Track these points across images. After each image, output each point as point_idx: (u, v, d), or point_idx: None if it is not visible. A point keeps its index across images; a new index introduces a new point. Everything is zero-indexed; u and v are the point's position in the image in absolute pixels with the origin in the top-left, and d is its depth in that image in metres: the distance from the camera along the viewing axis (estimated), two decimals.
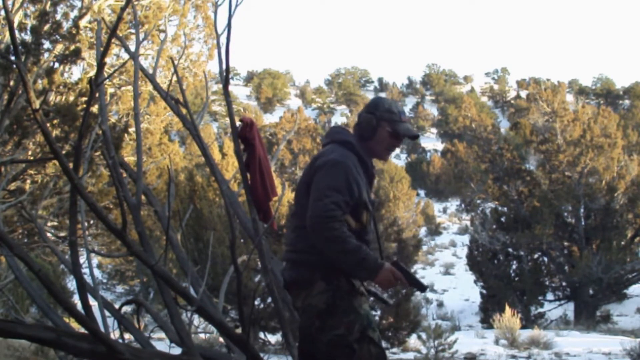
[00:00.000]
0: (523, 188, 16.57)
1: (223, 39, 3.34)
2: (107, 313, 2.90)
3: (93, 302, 2.75)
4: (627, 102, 64.52)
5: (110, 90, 8.15)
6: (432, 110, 77.07)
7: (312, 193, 2.38)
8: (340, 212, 2.32)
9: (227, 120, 8.18)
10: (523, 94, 69.44)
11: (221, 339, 6.48)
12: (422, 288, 2.54)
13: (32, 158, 6.60)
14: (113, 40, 2.63)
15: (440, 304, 19.57)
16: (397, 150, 66.94)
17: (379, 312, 8.92)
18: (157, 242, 10.22)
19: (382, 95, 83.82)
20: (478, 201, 18.85)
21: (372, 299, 2.72)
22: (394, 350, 8.68)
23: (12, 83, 6.32)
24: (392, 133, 2.57)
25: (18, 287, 6.20)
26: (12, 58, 6.21)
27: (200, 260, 9.32)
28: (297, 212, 2.51)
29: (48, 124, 4.51)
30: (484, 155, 18.20)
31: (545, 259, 16.50)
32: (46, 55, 6.88)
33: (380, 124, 2.56)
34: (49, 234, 6.98)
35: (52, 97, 6.85)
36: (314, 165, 2.48)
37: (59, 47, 6.86)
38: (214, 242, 9.37)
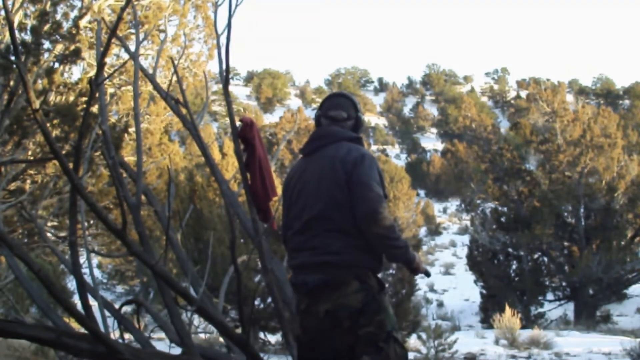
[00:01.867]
0: (523, 188, 16.57)
1: (223, 39, 3.34)
2: (107, 313, 2.90)
3: (93, 302, 2.75)
4: (627, 102, 64.52)
5: (110, 90, 8.15)
6: (432, 110, 77.07)
7: (359, 187, 2.41)
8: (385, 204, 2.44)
9: (227, 120, 8.18)
10: (523, 94, 69.49)
11: (221, 339, 6.48)
12: (427, 274, 2.68)
13: (32, 158, 6.60)
14: (113, 40, 2.63)
15: (440, 304, 19.57)
16: (397, 150, 66.96)
17: None
18: (157, 242, 10.22)
19: (382, 94, 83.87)
20: (478, 201, 18.85)
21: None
22: None
23: (12, 83, 6.33)
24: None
25: (18, 287, 6.20)
26: (12, 58, 6.21)
27: (200, 260, 9.32)
28: (328, 214, 2.48)
29: (48, 124, 4.52)
30: (484, 155, 18.20)
31: (545, 259, 16.50)
32: (46, 55, 6.89)
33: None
34: (49, 234, 6.99)
35: (52, 97, 6.86)
36: (346, 163, 2.49)
37: (59, 47, 6.86)
38: (214, 242, 9.37)
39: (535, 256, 16.55)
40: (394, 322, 2.44)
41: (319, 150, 2.62)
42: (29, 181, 6.92)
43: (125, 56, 8.01)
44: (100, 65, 2.81)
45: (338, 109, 2.72)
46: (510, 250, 16.40)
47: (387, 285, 9.19)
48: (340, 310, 2.41)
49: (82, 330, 2.37)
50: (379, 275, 2.54)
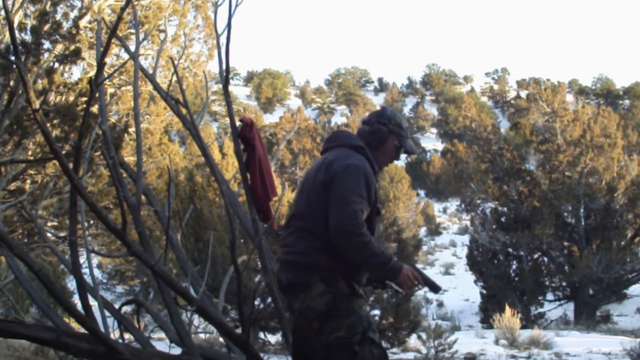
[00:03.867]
0: (523, 188, 16.57)
1: (223, 39, 3.34)
2: (107, 313, 2.90)
3: (93, 302, 2.75)
4: (627, 102, 64.54)
5: (110, 90, 8.15)
6: (432, 110, 77.08)
7: (336, 199, 2.37)
8: (363, 218, 2.36)
9: (227, 120, 8.19)
10: (523, 94, 69.44)
11: (221, 339, 6.48)
12: (436, 289, 2.64)
13: (32, 158, 6.60)
14: (113, 40, 2.63)
15: (440, 304, 19.56)
16: None
17: (378, 312, 8.92)
18: (157, 242, 10.21)
19: (382, 95, 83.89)
20: (478, 201, 18.84)
21: (383, 293, 2.77)
22: (394, 350, 8.68)
23: (12, 83, 6.33)
24: (398, 147, 2.66)
25: (18, 287, 6.20)
26: (12, 58, 6.21)
27: (200, 260, 9.32)
28: (304, 214, 2.49)
29: (48, 124, 4.52)
30: (484, 155, 18.19)
31: (545, 259, 16.50)
32: (46, 55, 6.88)
33: (390, 136, 2.63)
34: (49, 234, 6.99)
35: (52, 97, 6.85)
36: (330, 168, 2.46)
37: (59, 47, 6.86)
38: (214, 242, 9.37)
39: (535, 256, 16.55)
40: (367, 323, 2.40)
41: (326, 152, 2.62)
42: (29, 181, 6.92)
43: (125, 56, 8.00)
44: (100, 65, 2.81)
45: (371, 117, 2.70)
46: (510, 250, 16.39)
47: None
48: (307, 311, 2.41)
49: (82, 330, 2.37)
50: (363, 282, 2.49)
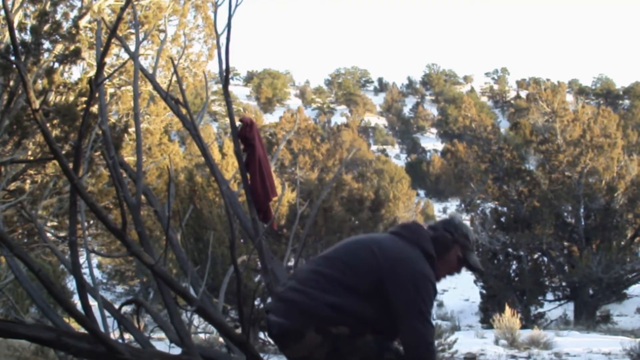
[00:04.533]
0: (523, 188, 16.57)
1: (223, 39, 3.34)
2: (107, 313, 2.90)
3: (93, 302, 2.75)
4: (627, 102, 64.55)
5: (110, 90, 8.16)
6: (432, 110, 77.10)
7: (410, 308, 2.20)
8: None
9: (227, 120, 8.19)
10: (523, 94, 69.45)
11: (221, 339, 6.48)
12: None
13: (32, 158, 6.61)
14: (113, 40, 2.63)
15: (440, 304, 19.57)
16: (397, 150, 67.01)
17: None
18: (157, 242, 10.22)
19: (382, 94, 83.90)
20: (478, 201, 18.85)
21: None
22: None
23: (12, 83, 6.33)
24: (462, 259, 2.48)
25: (18, 287, 6.20)
26: (12, 58, 6.21)
27: (200, 260, 9.32)
28: (338, 274, 2.27)
29: (48, 124, 4.52)
30: (484, 155, 18.20)
31: (545, 259, 16.51)
32: (46, 55, 6.89)
33: (454, 246, 2.46)
34: (49, 234, 6.99)
35: (52, 97, 6.86)
36: (391, 258, 2.26)
37: (59, 47, 6.87)
38: (214, 242, 9.38)
39: (535, 256, 16.57)
40: (378, 347, 2.26)
41: (396, 234, 2.43)
42: (29, 181, 6.92)
43: (125, 56, 8.01)
44: (100, 65, 2.81)
45: (440, 223, 2.54)
46: (510, 250, 16.40)
47: None
48: None
49: (82, 330, 2.37)
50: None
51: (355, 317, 2.24)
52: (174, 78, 3.61)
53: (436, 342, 7.78)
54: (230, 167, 12.70)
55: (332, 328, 2.21)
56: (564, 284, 16.35)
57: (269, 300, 2.49)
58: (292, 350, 2.29)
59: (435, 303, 2.62)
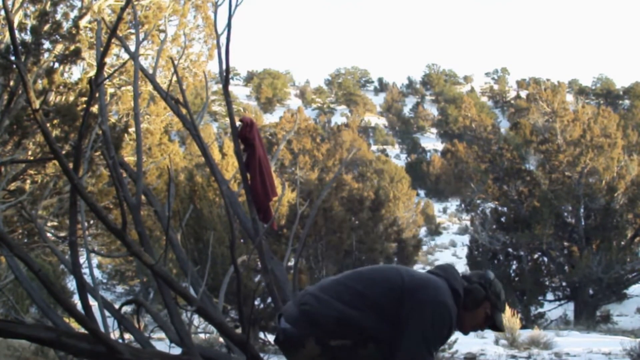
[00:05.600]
0: (523, 188, 16.58)
1: (223, 39, 3.34)
2: (107, 313, 2.90)
3: (93, 302, 2.75)
4: (627, 102, 64.54)
5: (110, 90, 8.16)
6: (432, 110, 77.12)
7: (417, 331, 2.16)
8: None
9: (227, 120, 8.19)
10: (523, 94, 69.49)
11: (221, 339, 6.48)
12: None
13: (32, 158, 6.61)
14: (113, 40, 2.63)
15: None
16: (397, 150, 67.03)
17: None
18: (157, 242, 10.22)
19: (382, 94, 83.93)
20: (478, 201, 18.86)
21: None
22: None
23: (12, 83, 6.33)
24: (489, 317, 2.46)
25: (18, 287, 6.20)
26: (12, 58, 6.21)
27: (200, 260, 9.32)
28: (358, 290, 2.25)
29: (48, 124, 4.51)
30: (484, 155, 18.21)
31: (545, 259, 16.51)
32: (46, 55, 6.89)
33: (485, 303, 2.44)
34: (49, 234, 6.99)
35: (52, 97, 6.86)
36: (416, 282, 2.26)
37: (59, 47, 6.87)
38: (214, 242, 9.38)
39: (535, 256, 16.56)
40: (381, 358, 2.23)
41: (433, 273, 2.41)
42: (29, 181, 6.92)
43: (125, 56, 8.01)
44: (100, 65, 2.81)
45: (474, 275, 2.51)
46: (510, 250, 16.40)
47: None
48: None
49: (82, 330, 2.37)
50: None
51: (362, 331, 2.21)
52: (174, 78, 3.61)
53: None
54: (230, 167, 12.70)
55: (332, 341, 2.19)
56: (564, 284, 16.35)
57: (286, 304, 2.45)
58: (294, 359, 2.29)
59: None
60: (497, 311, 2.47)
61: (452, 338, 7.92)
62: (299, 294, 2.43)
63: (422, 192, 44.74)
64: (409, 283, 2.25)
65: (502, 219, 16.71)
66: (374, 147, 60.02)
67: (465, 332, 2.47)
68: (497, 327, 2.48)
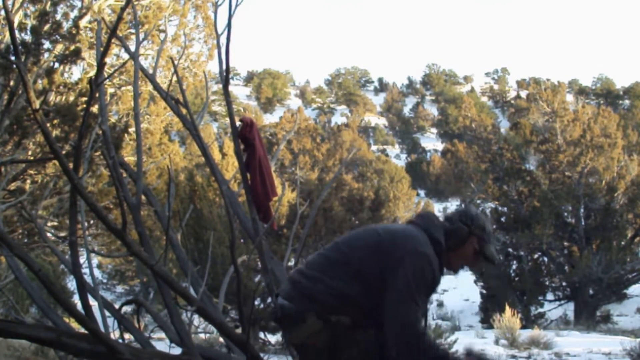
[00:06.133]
0: (523, 188, 16.58)
1: (223, 39, 3.34)
2: (107, 313, 2.90)
3: (93, 302, 2.75)
4: (627, 102, 64.52)
5: (110, 90, 8.16)
6: (432, 110, 77.10)
7: (399, 286, 2.17)
8: (421, 322, 2.21)
9: (227, 120, 8.19)
10: (523, 94, 69.50)
11: (221, 339, 6.48)
12: None
13: (32, 158, 6.61)
14: (113, 40, 2.63)
15: (440, 304, 19.58)
16: (397, 150, 67.02)
17: None
18: (157, 242, 10.22)
19: (382, 94, 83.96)
20: (478, 201, 18.88)
21: None
22: None
23: (12, 83, 6.33)
24: (478, 252, 2.43)
25: (18, 287, 6.20)
26: (12, 58, 6.21)
27: (200, 260, 9.32)
28: (349, 257, 2.27)
29: (48, 124, 4.52)
30: (484, 155, 18.22)
31: (545, 259, 16.51)
32: (46, 55, 6.89)
33: (471, 238, 2.41)
34: (49, 234, 6.99)
35: (52, 97, 6.86)
36: (393, 233, 2.29)
37: (59, 47, 6.87)
38: (214, 242, 9.38)
39: (535, 256, 16.57)
40: (378, 344, 2.23)
41: (410, 223, 2.43)
42: (29, 181, 6.92)
43: (125, 56, 8.01)
44: (100, 65, 2.81)
45: (454, 213, 2.49)
46: (510, 250, 16.41)
47: None
48: (308, 348, 2.27)
49: (82, 330, 2.37)
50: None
51: (356, 306, 2.23)
52: (174, 78, 3.61)
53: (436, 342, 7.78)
54: (230, 167, 12.70)
55: (332, 316, 2.20)
56: (564, 284, 16.35)
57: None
58: (293, 335, 2.30)
59: (434, 298, 2.63)
60: (485, 244, 2.43)
61: (452, 338, 7.93)
62: (291, 272, 2.47)
63: (422, 192, 44.74)
64: (386, 239, 2.27)
65: (502, 219, 16.71)
66: (374, 147, 60.01)
67: (456, 271, 2.47)
68: (488, 258, 2.45)
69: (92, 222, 7.40)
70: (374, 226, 2.43)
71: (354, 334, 2.22)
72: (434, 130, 73.19)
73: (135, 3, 7.42)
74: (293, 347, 2.41)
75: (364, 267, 2.24)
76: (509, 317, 8.85)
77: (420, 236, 2.30)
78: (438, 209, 41.02)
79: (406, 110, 78.31)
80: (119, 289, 16.00)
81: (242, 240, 8.56)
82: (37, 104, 2.04)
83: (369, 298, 2.22)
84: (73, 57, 6.87)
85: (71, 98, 6.87)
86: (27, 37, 6.61)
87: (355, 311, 2.23)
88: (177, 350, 2.84)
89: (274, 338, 9.13)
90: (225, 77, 3.48)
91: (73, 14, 7.32)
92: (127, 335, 3.08)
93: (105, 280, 15.69)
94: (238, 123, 3.56)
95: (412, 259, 2.20)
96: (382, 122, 76.29)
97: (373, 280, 2.22)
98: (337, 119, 69.23)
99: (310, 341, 2.23)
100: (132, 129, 7.35)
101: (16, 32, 4.60)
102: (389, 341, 2.17)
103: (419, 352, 2.16)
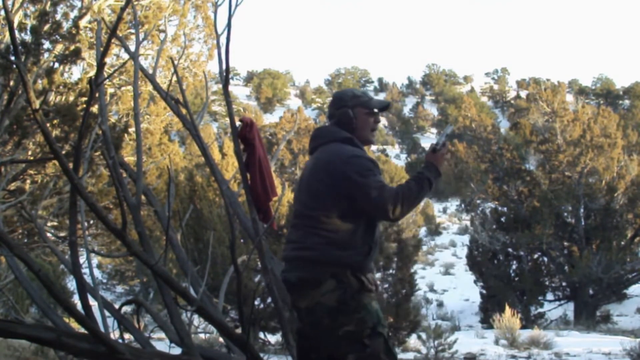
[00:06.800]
0: (523, 188, 16.57)
1: (223, 39, 3.34)
2: (107, 313, 2.90)
3: (93, 302, 2.75)
4: (627, 102, 64.51)
5: (110, 90, 8.16)
6: (432, 110, 77.08)
7: (362, 188, 2.40)
8: (388, 189, 2.41)
9: (227, 120, 8.19)
10: (523, 94, 69.46)
11: (221, 339, 6.48)
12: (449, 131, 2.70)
13: (32, 158, 6.61)
14: (113, 40, 2.63)
15: (440, 304, 19.57)
16: (397, 150, 67.01)
17: None
18: (157, 242, 10.22)
19: (382, 94, 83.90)
20: (478, 201, 18.86)
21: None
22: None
23: (12, 83, 6.33)
24: (370, 112, 2.65)
25: (18, 287, 6.20)
26: (12, 58, 6.21)
27: (200, 260, 9.32)
28: (308, 212, 2.51)
29: (48, 124, 4.52)
30: (484, 155, 18.20)
31: (545, 259, 16.50)
32: (46, 55, 6.89)
33: (355, 111, 2.63)
34: (49, 234, 6.99)
35: (52, 97, 6.86)
36: (332, 168, 2.48)
37: (59, 47, 6.86)
38: (214, 242, 9.38)
39: (535, 256, 16.55)
40: (377, 318, 2.41)
41: (316, 150, 2.64)
42: (29, 181, 6.92)
43: (125, 56, 8.00)
44: (100, 65, 2.81)
45: (329, 109, 2.72)
46: (510, 250, 16.39)
47: (386, 285, 9.17)
48: (317, 307, 2.41)
49: (82, 330, 2.37)
50: (369, 274, 2.49)
51: (348, 246, 2.44)
52: (174, 78, 3.61)
53: (436, 342, 7.78)
54: (230, 167, 12.69)
55: (343, 277, 2.40)
56: (564, 284, 16.34)
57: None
58: (307, 299, 2.44)
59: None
60: (367, 102, 2.66)
61: (452, 338, 7.92)
62: (283, 253, 2.64)
63: None
64: (322, 168, 2.50)
65: (502, 219, 16.70)
66: (374, 147, 59.99)
67: (372, 141, 2.73)
68: (379, 107, 2.68)
69: (92, 222, 7.39)
70: (308, 168, 2.63)
71: (361, 298, 2.41)
72: (434, 130, 73.15)
73: (135, 3, 7.42)
74: (298, 311, 2.53)
75: (334, 201, 2.47)
76: (509, 317, 8.85)
77: (336, 148, 2.54)
78: (438, 208, 41.05)
79: (406, 110, 78.28)
80: (119, 289, 15.99)
81: (242, 240, 8.55)
82: (37, 104, 2.04)
83: (353, 228, 2.46)
84: (73, 57, 6.86)
85: (71, 98, 6.87)
86: (27, 37, 6.60)
87: (351, 254, 2.45)
88: (177, 350, 2.84)
89: (274, 338, 9.13)
90: (225, 77, 3.48)
91: (73, 14, 7.31)
92: (127, 335, 3.08)
93: (105, 280, 15.68)
94: (238, 123, 3.56)
95: (351, 166, 2.44)
96: (382, 122, 76.29)
97: (344, 208, 2.46)
98: None
99: (322, 300, 2.40)
100: (132, 129, 7.34)
101: (16, 32, 4.60)
102: (375, 216, 2.48)
103: (405, 198, 2.40)
